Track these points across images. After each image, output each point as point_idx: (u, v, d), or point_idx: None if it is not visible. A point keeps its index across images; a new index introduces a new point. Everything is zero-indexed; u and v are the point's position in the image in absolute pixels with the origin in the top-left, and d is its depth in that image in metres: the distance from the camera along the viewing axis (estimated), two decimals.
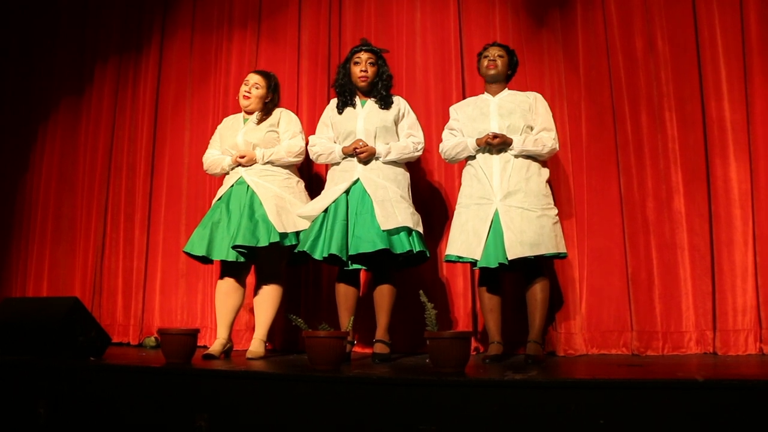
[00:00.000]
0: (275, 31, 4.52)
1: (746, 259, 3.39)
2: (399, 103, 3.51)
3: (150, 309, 4.55)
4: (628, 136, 3.66)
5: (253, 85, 3.68)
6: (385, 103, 3.46)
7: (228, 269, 3.59)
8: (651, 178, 3.61)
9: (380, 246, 3.18)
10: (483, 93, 3.46)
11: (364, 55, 3.49)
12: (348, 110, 3.50)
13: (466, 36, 4.06)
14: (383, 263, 3.35)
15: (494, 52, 3.41)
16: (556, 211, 3.25)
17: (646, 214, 3.59)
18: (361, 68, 3.47)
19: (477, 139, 3.27)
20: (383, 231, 3.21)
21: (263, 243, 3.37)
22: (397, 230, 3.24)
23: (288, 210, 3.49)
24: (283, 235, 3.42)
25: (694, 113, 3.60)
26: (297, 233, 3.45)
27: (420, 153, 3.47)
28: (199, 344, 3.49)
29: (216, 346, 3.47)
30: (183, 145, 4.65)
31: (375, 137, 3.41)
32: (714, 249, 3.46)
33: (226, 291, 3.57)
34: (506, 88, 3.42)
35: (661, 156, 3.61)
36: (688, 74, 3.63)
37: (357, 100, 3.52)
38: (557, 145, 3.31)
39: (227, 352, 3.52)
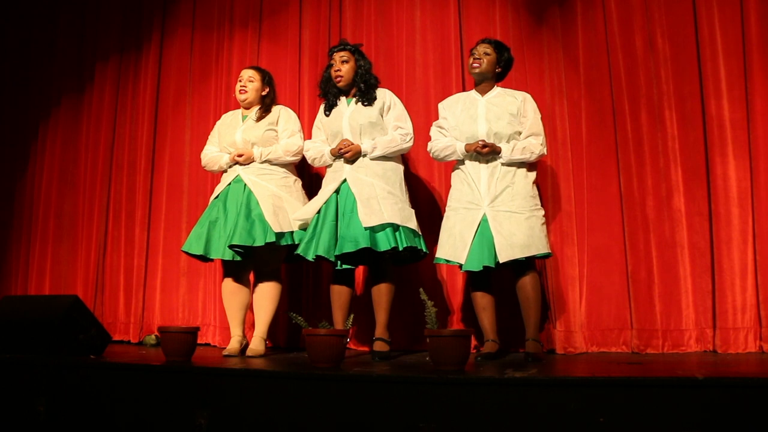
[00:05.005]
0: (276, 30, 4.52)
1: (746, 257, 3.39)
2: (384, 96, 3.48)
3: (150, 307, 4.56)
4: (628, 135, 3.66)
5: (248, 79, 3.70)
6: (368, 100, 3.45)
7: (229, 269, 3.59)
8: (651, 176, 3.61)
9: (363, 245, 3.17)
10: (473, 89, 3.41)
11: (336, 56, 3.51)
12: (334, 111, 3.52)
13: (466, 34, 4.05)
14: (377, 261, 3.35)
15: (481, 49, 3.33)
16: (543, 212, 3.25)
17: (645, 212, 3.59)
18: (335, 69, 3.49)
19: (466, 146, 3.24)
20: (366, 229, 3.20)
21: (259, 243, 3.37)
22: (381, 227, 3.22)
23: (285, 209, 3.48)
24: (280, 235, 3.41)
25: (693, 111, 3.60)
26: (293, 232, 3.45)
27: (410, 144, 3.44)
28: (199, 342, 3.50)
29: (233, 345, 3.49)
30: (184, 144, 4.65)
31: (360, 134, 3.41)
32: (714, 247, 3.46)
33: (231, 290, 3.59)
34: (495, 86, 3.36)
35: (660, 154, 3.61)
36: (688, 72, 3.63)
37: (342, 99, 3.52)
38: (545, 150, 3.27)
39: (243, 349, 3.53)
